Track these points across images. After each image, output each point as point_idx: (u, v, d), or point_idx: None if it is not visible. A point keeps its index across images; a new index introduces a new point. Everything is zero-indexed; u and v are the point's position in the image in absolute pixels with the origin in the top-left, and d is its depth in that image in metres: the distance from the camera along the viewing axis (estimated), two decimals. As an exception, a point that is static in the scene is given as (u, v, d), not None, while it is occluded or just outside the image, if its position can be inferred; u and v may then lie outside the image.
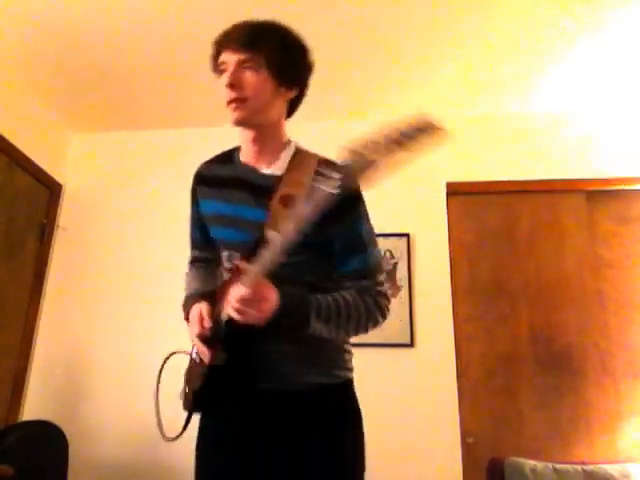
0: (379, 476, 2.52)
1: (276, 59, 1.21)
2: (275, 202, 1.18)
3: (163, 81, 2.88)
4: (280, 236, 0.96)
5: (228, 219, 1.27)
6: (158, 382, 1.43)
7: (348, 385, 1.26)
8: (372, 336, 3.01)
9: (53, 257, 3.14)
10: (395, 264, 2.84)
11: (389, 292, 1.27)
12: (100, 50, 2.64)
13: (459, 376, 2.67)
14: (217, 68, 1.25)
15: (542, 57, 2.62)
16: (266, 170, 1.27)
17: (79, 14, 2.41)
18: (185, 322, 1.31)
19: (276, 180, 1.23)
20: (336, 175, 0.95)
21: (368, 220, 1.30)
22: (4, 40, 2.58)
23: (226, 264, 1.30)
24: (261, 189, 1.23)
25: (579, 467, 2.32)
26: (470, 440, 2.58)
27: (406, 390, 2.66)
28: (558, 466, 2.33)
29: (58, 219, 3.19)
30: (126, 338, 2.90)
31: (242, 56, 1.20)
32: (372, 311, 1.21)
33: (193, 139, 3.19)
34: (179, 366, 1.35)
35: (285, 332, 1.15)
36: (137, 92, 2.98)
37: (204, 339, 1.17)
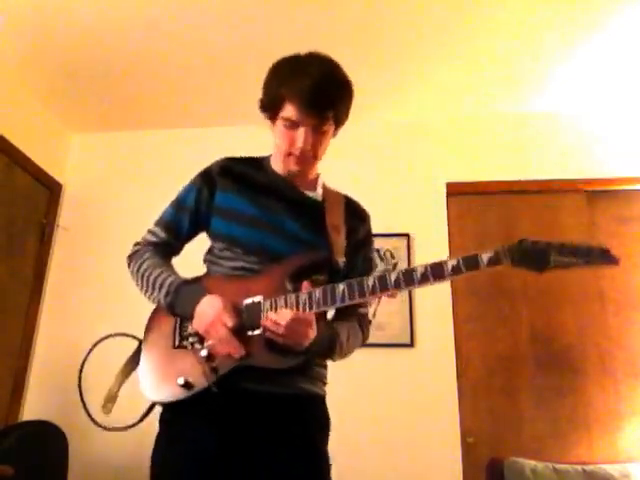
0: (379, 476, 2.53)
1: (344, 112, 1.30)
2: (330, 229, 1.28)
3: (163, 81, 2.88)
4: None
5: (255, 221, 1.28)
6: (81, 368, 1.48)
7: (324, 398, 1.31)
8: (372, 336, 3.02)
9: (53, 257, 3.13)
10: (395, 264, 2.84)
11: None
12: (100, 50, 2.64)
13: (459, 376, 2.67)
14: (275, 115, 1.27)
15: (542, 57, 2.62)
16: (307, 192, 1.35)
17: (79, 14, 2.40)
18: (167, 305, 1.26)
19: (320, 205, 1.33)
20: (502, 248, 1.13)
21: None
22: (4, 40, 2.58)
23: (229, 262, 1.27)
24: (306, 208, 1.32)
25: (579, 467, 2.32)
26: (470, 440, 2.58)
27: (406, 390, 2.66)
28: (558, 466, 2.33)
29: (58, 219, 3.19)
30: (126, 338, 2.90)
31: (317, 121, 1.23)
32: (364, 338, 1.39)
33: (193, 139, 3.19)
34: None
35: (310, 356, 1.18)
36: (137, 92, 2.98)
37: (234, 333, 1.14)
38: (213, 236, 1.34)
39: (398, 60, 2.67)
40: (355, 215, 1.38)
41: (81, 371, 1.41)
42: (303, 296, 1.12)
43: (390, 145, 3.11)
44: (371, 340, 2.66)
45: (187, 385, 1.16)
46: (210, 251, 1.36)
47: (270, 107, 1.28)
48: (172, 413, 1.23)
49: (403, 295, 2.78)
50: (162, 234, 1.39)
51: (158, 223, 1.41)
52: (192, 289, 1.24)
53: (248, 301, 1.18)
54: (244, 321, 1.16)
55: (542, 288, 2.79)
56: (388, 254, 2.85)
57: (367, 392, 2.64)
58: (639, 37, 2.46)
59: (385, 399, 2.65)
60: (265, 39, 2.50)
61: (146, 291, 1.33)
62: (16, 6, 2.37)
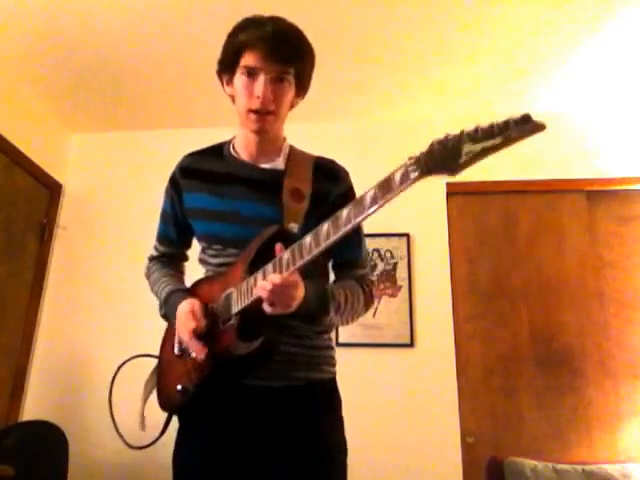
0: (379, 475, 2.53)
1: (302, 72, 1.25)
2: (286, 196, 1.20)
3: (163, 81, 2.88)
4: (325, 231, 0.98)
5: (221, 214, 1.26)
6: (111, 390, 1.46)
7: (334, 379, 1.29)
8: (372, 336, 3.03)
9: (53, 257, 3.14)
10: (395, 264, 2.84)
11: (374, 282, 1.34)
12: (100, 50, 2.64)
13: (459, 376, 2.67)
14: (234, 60, 1.22)
15: (542, 57, 2.62)
16: (265, 165, 1.29)
17: (79, 14, 2.40)
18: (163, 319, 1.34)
19: (279, 174, 1.26)
20: (409, 161, 0.96)
21: None
22: (4, 40, 2.58)
23: (214, 259, 1.28)
24: (264, 183, 1.26)
25: (579, 467, 2.32)
26: (470, 440, 2.58)
27: (406, 390, 2.66)
28: (558, 466, 2.33)
29: (58, 219, 3.19)
30: (126, 338, 2.90)
31: (278, 68, 1.19)
32: (367, 299, 1.29)
33: (193, 139, 3.16)
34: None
35: (305, 322, 1.17)
36: (137, 92, 2.98)
37: (199, 335, 1.15)
38: (196, 237, 1.36)
39: (398, 60, 2.67)
40: (325, 176, 1.28)
41: (111, 392, 1.47)
42: (274, 261, 1.06)
43: (390, 145, 3.10)
44: (371, 340, 2.70)
45: (184, 390, 1.19)
46: (200, 251, 1.36)
47: (229, 60, 1.23)
48: (183, 417, 1.26)
49: (403, 295, 2.78)
50: (160, 247, 1.44)
51: (156, 237, 1.45)
52: (175, 297, 1.26)
53: (224, 294, 1.18)
54: (220, 316, 1.17)
55: (542, 288, 2.79)
56: (388, 254, 2.85)
57: (367, 392, 2.64)
58: (639, 37, 2.47)
59: (385, 399, 2.65)
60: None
61: (158, 306, 1.36)
62: (16, 6, 2.37)
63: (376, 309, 2.75)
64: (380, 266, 2.83)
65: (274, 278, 1.02)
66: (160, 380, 1.32)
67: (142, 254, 3.44)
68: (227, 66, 1.26)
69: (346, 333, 2.65)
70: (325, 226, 0.99)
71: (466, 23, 2.42)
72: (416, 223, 2.91)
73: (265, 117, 1.21)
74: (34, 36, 2.55)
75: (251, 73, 1.19)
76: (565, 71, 2.72)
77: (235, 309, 1.13)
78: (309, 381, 1.21)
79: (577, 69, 2.70)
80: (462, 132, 0.89)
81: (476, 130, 0.88)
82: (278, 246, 1.06)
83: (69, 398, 2.87)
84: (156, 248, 1.45)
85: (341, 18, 2.39)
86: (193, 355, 1.19)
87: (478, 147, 0.88)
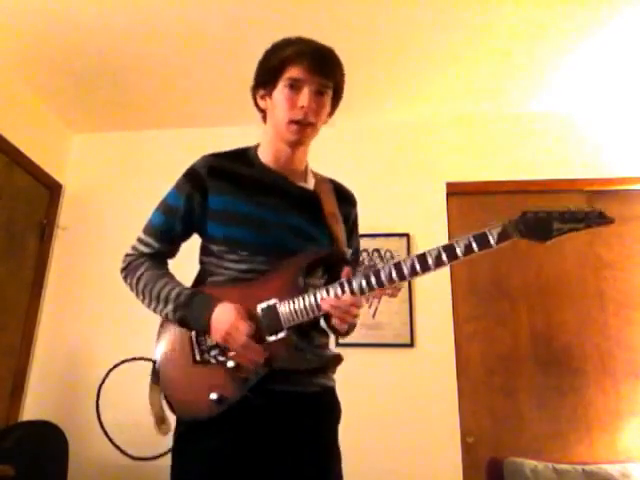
0: (379, 476, 2.53)
1: (340, 91, 1.32)
2: (329, 219, 1.29)
3: (163, 81, 2.88)
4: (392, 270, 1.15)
5: (254, 221, 1.25)
6: (98, 397, 1.44)
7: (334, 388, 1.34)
8: (372, 336, 3.02)
9: (53, 257, 3.14)
10: (395, 264, 2.83)
11: None
12: (100, 50, 2.64)
13: (459, 376, 2.67)
14: (277, 73, 1.25)
15: (543, 57, 2.62)
16: (300, 183, 1.33)
17: (79, 15, 2.40)
18: (175, 318, 1.23)
19: (314, 195, 1.32)
20: (508, 223, 1.19)
21: None
22: (4, 40, 2.58)
23: (238, 265, 1.24)
24: (304, 201, 1.30)
25: (579, 467, 2.32)
26: (470, 440, 2.58)
27: (406, 390, 2.66)
28: (558, 466, 2.33)
29: (58, 219, 3.19)
30: (126, 338, 2.90)
31: (321, 81, 1.25)
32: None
33: (193, 139, 3.19)
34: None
35: (344, 335, 1.29)
36: (137, 92, 2.98)
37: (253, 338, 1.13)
38: (210, 239, 1.29)
39: (398, 60, 2.67)
40: (345, 200, 1.40)
41: (98, 396, 1.44)
42: (342, 282, 1.16)
43: (390, 145, 3.10)
44: (371, 340, 2.70)
45: (221, 400, 1.14)
46: (207, 253, 1.30)
47: (271, 73, 1.26)
48: (187, 428, 1.21)
49: (403, 295, 2.78)
50: (155, 243, 1.33)
51: (148, 231, 1.35)
52: (202, 300, 1.20)
53: (263, 305, 1.17)
54: (262, 326, 1.15)
55: (542, 288, 2.79)
56: (388, 254, 2.85)
57: (367, 392, 2.64)
58: (639, 37, 2.47)
59: (385, 399, 2.65)
60: (266, 39, 2.49)
61: (149, 304, 1.28)
62: (16, 6, 2.37)
63: (376, 309, 2.75)
64: (380, 266, 2.82)
65: (350, 299, 1.14)
66: (175, 390, 1.23)
67: (142, 254, 3.42)
68: (268, 80, 1.28)
69: (346, 333, 2.65)
70: (409, 262, 1.15)
71: (466, 23, 2.42)
72: (416, 223, 2.91)
73: (305, 128, 1.25)
74: (34, 36, 2.55)
75: (294, 86, 1.23)
76: (565, 71, 2.72)
77: (289, 322, 1.15)
78: (323, 388, 1.25)
79: (577, 69, 2.70)
80: (550, 212, 1.12)
81: (563, 215, 1.11)
82: (346, 269, 1.17)
83: (69, 398, 2.86)
84: (147, 244, 1.34)
85: (341, 18, 2.39)
86: (231, 364, 1.15)
87: (566, 227, 1.10)
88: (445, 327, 2.74)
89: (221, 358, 1.17)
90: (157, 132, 3.30)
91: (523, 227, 1.14)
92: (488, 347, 2.74)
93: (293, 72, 1.23)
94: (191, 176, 1.31)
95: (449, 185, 2.97)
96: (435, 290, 2.80)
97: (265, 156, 1.33)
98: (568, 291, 2.77)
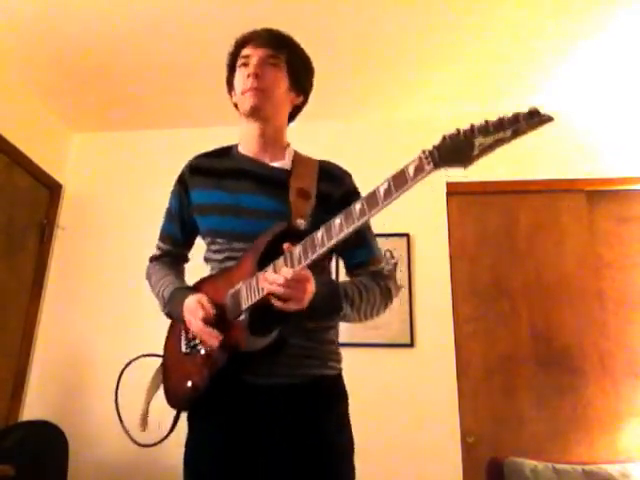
0: (379, 475, 2.53)
1: (294, 63, 1.34)
2: (292, 194, 1.24)
3: (163, 81, 2.88)
4: (335, 228, 1.02)
5: (227, 208, 1.28)
6: (117, 388, 1.48)
7: (340, 375, 1.30)
8: (372, 336, 3.03)
9: (53, 257, 3.14)
10: (395, 264, 2.84)
11: (394, 274, 1.36)
12: (100, 50, 2.64)
13: (459, 376, 2.67)
14: (235, 62, 1.35)
15: (542, 57, 2.62)
16: (273, 163, 1.33)
17: (79, 14, 2.41)
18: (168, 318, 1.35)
19: (285, 173, 1.31)
20: (422, 154, 0.98)
21: None
22: (4, 40, 2.58)
23: (218, 255, 1.29)
24: (271, 180, 1.30)
25: (579, 467, 2.32)
26: (470, 440, 2.58)
27: (406, 390, 2.66)
28: (558, 466, 2.33)
29: (58, 219, 3.19)
30: (126, 338, 2.90)
31: (268, 52, 1.30)
32: (384, 293, 1.29)
33: (193, 139, 3.18)
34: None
35: (317, 318, 1.19)
36: (137, 92, 2.98)
37: (210, 323, 1.15)
38: (201, 234, 1.38)
39: (399, 60, 2.67)
40: (329, 178, 1.32)
41: (117, 390, 1.49)
42: (285, 256, 1.08)
43: (390, 144, 3.10)
44: (371, 340, 2.70)
45: (194, 386, 1.18)
46: (206, 249, 1.37)
47: (230, 63, 1.36)
48: (191, 416, 1.27)
49: (403, 295, 2.78)
50: (164, 245, 1.45)
51: (159, 236, 1.46)
52: (180, 294, 1.26)
53: (231, 291, 1.18)
54: (228, 311, 1.17)
55: (542, 288, 2.79)
56: (388, 254, 2.85)
57: (367, 392, 2.64)
58: (639, 37, 2.47)
59: (385, 399, 2.65)
60: (265, 39, 2.50)
61: (159, 305, 1.37)
62: (16, 6, 2.37)
63: (376, 309, 2.75)
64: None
65: (286, 272, 1.03)
66: (168, 379, 1.32)
67: (142, 254, 3.45)
68: (229, 71, 1.37)
69: (346, 333, 2.63)
70: (337, 220, 1.02)
71: (466, 23, 2.42)
72: (416, 223, 2.91)
73: (257, 93, 1.27)
74: (34, 36, 2.55)
75: (246, 63, 1.31)
76: (564, 71, 2.72)
77: (245, 304, 1.13)
78: (314, 378, 1.21)
79: (577, 69, 2.70)
80: (473, 126, 0.93)
81: (487, 124, 0.92)
82: (286, 245, 1.08)
83: (69, 398, 2.86)
84: (159, 247, 1.45)
85: (341, 18, 2.39)
86: (202, 352, 1.19)
87: (490, 139, 0.92)
88: (445, 327, 2.74)
89: (199, 347, 1.21)
90: (157, 132, 3.30)
91: (442, 152, 0.95)
92: (488, 347, 2.75)
93: (244, 52, 1.32)
94: (179, 177, 1.42)
95: (449, 185, 2.97)
96: (435, 290, 2.81)
97: (242, 146, 1.38)
98: (568, 291, 2.77)
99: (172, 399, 1.28)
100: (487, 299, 2.82)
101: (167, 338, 1.36)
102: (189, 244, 1.46)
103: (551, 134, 3.01)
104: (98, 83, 2.90)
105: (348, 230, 1.00)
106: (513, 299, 2.80)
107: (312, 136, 2.94)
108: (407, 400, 2.65)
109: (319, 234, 1.04)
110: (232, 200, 1.28)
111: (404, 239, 2.88)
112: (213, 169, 1.35)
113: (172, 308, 1.28)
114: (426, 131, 3.09)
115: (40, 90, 2.98)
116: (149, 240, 2.85)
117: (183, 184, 1.38)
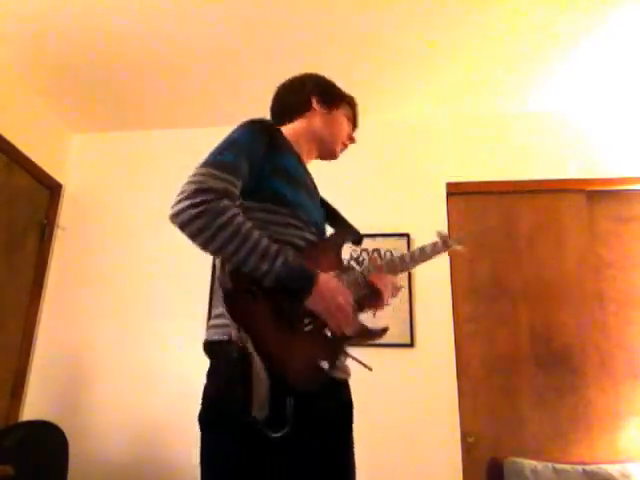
0: (379, 475, 2.53)
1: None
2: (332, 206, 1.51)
3: (163, 81, 2.88)
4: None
5: (309, 192, 1.34)
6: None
7: None
8: (372, 336, 2.98)
9: (53, 257, 3.14)
10: (395, 264, 2.84)
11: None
12: (100, 50, 2.64)
13: (459, 376, 2.67)
14: (337, 105, 1.52)
15: (542, 57, 2.62)
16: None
17: (80, 14, 2.41)
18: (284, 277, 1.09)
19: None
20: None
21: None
22: (5, 40, 2.59)
23: (297, 231, 1.23)
24: (316, 189, 1.43)
25: (579, 467, 2.32)
26: (470, 440, 2.58)
27: (406, 390, 2.66)
28: (558, 466, 2.33)
29: (58, 219, 3.19)
30: (126, 338, 2.90)
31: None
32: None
33: (193, 139, 3.19)
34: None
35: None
36: (137, 92, 2.98)
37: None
38: (275, 198, 1.21)
39: (398, 60, 2.67)
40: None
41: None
42: (389, 263, 1.34)
43: (390, 145, 3.11)
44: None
45: (329, 367, 1.12)
46: (270, 211, 1.21)
47: (334, 98, 1.51)
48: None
49: (403, 295, 2.78)
50: (237, 182, 1.16)
51: (224, 168, 1.14)
52: (302, 264, 1.12)
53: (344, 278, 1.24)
54: None
55: (542, 288, 2.79)
56: (388, 254, 2.85)
57: (367, 392, 2.64)
58: (639, 37, 2.47)
59: (385, 399, 2.65)
60: (265, 40, 2.50)
61: (236, 254, 1.07)
62: (17, 6, 2.37)
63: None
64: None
65: (392, 281, 1.34)
66: (286, 362, 1.08)
67: (142, 254, 3.46)
68: (330, 99, 1.50)
69: (346, 333, 2.65)
70: (416, 250, 1.40)
71: (466, 23, 2.42)
72: (416, 223, 2.91)
73: (345, 148, 1.55)
74: (34, 36, 2.56)
75: (349, 122, 1.54)
76: (565, 71, 2.72)
77: (355, 296, 1.22)
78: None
79: (577, 69, 2.70)
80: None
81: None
82: (373, 256, 1.30)
83: (69, 398, 2.87)
84: (230, 182, 1.13)
85: (341, 18, 2.39)
86: (328, 333, 1.15)
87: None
88: (445, 327, 2.74)
89: (314, 326, 1.13)
90: (157, 132, 3.30)
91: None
92: (488, 347, 2.75)
93: (349, 112, 1.54)
94: (262, 126, 1.30)
95: (449, 185, 2.98)
96: (435, 290, 2.81)
97: (294, 145, 1.40)
98: (568, 291, 2.77)
99: (302, 383, 1.08)
100: (487, 299, 2.82)
101: (251, 319, 1.08)
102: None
103: (551, 134, 3.02)
104: (98, 83, 2.90)
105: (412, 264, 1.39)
106: (513, 299, 2.80)
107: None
108: (407, 400, 2.65)
109: (408, 256, 1.37)
110: (312, 191, 1.37)
111: (404, 239, 2.87)
112: (294, 151, 1.37)
113: (292, 276, 1.08)
114: (425, 132, 3.12)
115: (40, 90, 2.98)
116: (149, 240, 2.87)
117: (272, 138, 1.26)
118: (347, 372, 1.32)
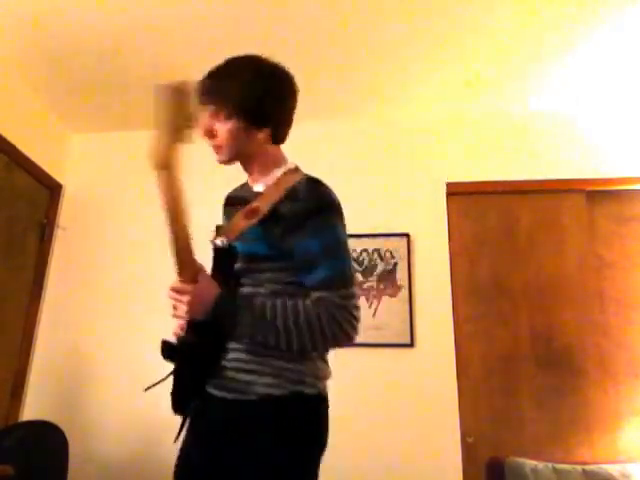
0: (379, 475, 2.53)
1: (240, 104, 1.27)
2: (239, 213, 1.28)
3: (163, 82, 2.88)
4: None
5: None
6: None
7: (297, 398, 1.17)
8: (372, 336, 3.02)
9: (53, 257, 3.14)
10: (395, 264, 2.84)
11: (355, 308, 1.17)
12: (100, 50, 2.64)
13: (459, 376, 2.67)
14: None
15: (542, 57, 2.62)
16: (254, 186, 1.35)
17: (79, 14, 2.41)
18: None
19: (255, 196, 1.31)
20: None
21: (333, 232, 1.21)
22: (4, 40, 2.58)
23: None
24: (245, 203, 1.31)
25: (579, 467, 2.32)
26: (470, 440, 2.58)
27: (406, 390, 2.66)
28: (558, 466, 2.33)
29: (58, 219, 3.19)
30: (126, 338, 2.90)
31: (204, 105, 1.30)
32: (325, 324, 1.13)
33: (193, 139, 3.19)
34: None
35: (224, 332, 1.22)
36: (137, 92, 2.98)
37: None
38: None
39: (398, 59, 2.67)
40: (293, 198, 1.22)
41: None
42: None
43: (390, 145, 3.10)
44: (371, 340, 2.69)
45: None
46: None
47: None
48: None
49: (403, 295, 2.78)
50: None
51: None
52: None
53: None
54: None
55: (542, 288, 2.79)
56: (388, 254, 2.85)
57: (367, 392, 2.64)
58: (639, 37, 2.46)
59: (385, 399, 2.65)
60: (264, 39, 2.49)
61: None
62: (16, 6, 2.37)
63: (376, 309, 2.75)
64: (380, 266, 2.83)
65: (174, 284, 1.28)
66: None
67: (142, 254, 3.46)
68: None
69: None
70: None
71: (465, 23, 2.42)
72: (416, 223, 2.91)
73: (217, 151, 1.32)
74: (34, 36, 2.55)
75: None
76: (565, 71, 2.72)
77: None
78: (260, 397, 1.15)
79: (577, 69, 2.70)
80: None
81: None
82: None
83: (69, 398, 2.87)
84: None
85: (340, 18, 2.39)
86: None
87: None
88: (445, 327, 2.74)
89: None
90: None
91: None
92: (488, 347, 2.74)
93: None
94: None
95: (449, 185, 2.97)
96: (435, 290, 2.81)
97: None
98: (568, 291, 2.77)
99: None
100: (487, 299, 2.82)
101: None
102: None
103: (551, 134, 3.02)
104: (98, 83, 2.89)
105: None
106: (513, 299, 2.80)
107: (309, 136, 2.95)
108: (407, 400, 2.64)
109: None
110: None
111: (404, 239, 2.87)
112: (232, 198, 1.47)
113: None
114: (425, 132, 3.12)
115: (40, 90, 2.98)
116: (148, 240, 2.86)
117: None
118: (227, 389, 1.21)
